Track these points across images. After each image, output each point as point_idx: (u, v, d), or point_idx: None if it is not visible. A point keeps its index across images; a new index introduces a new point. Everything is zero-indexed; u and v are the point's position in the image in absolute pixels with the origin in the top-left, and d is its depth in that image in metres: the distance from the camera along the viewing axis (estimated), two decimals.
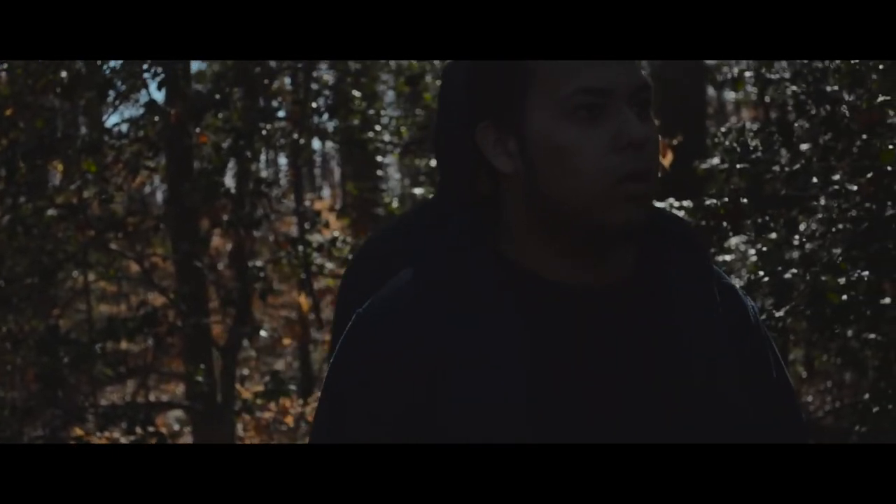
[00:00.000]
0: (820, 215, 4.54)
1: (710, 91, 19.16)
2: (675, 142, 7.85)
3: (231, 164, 6.77)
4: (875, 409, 4.50)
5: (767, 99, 7.50)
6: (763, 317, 3.56)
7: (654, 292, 1.77)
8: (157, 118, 6.30)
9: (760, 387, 1.81)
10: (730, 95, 17.71)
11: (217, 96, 5.86)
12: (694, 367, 1.73)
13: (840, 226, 4.28)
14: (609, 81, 1.67)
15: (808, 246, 4.21)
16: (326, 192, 28.42)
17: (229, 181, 7.25)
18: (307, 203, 12.93)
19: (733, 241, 7.50)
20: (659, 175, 1.73)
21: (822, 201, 4.37)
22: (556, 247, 1.74)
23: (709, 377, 1.73)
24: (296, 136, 7.11)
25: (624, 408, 1.70)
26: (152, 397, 15.10)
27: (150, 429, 6.55)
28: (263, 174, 9.10)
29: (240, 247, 7.08)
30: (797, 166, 4.00)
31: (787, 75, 5.23)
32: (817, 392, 12.32)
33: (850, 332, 7.04)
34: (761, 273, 3.60)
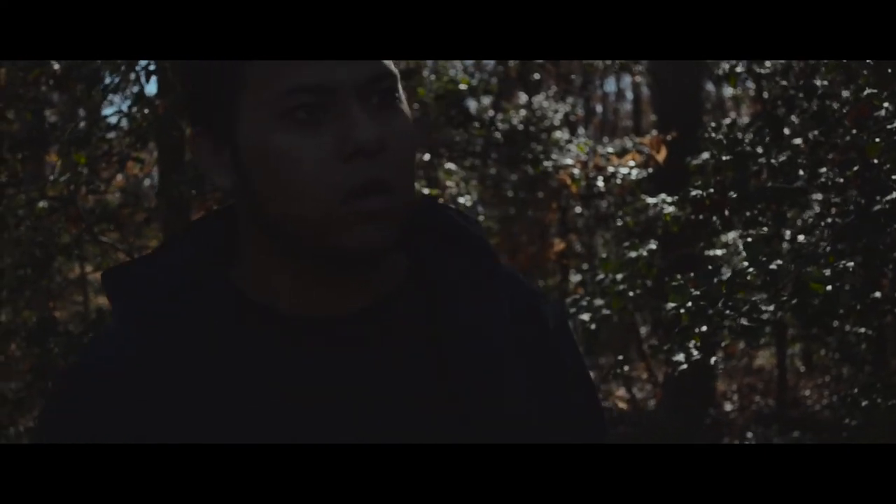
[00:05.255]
0: (817, 210, 4.53)
1: (710, 87, 19.16)
2: (668, 137, 7.85)
3: None
4: (864, 403, 4.49)
5: (766, 94, 7.50)
6: (745, 308, 3.54)
7: (427, 302, 1.50)
8: (146, 110, 6.26)
9: (556, 389, 1.54)
10: (728, 91, 17.69)
11: None
12: (476, 372, 1.46)
13: (829, 220, 4.27)
14: (327, 76, 1.36)
15: (799, 238, 4.19)
16: None
17: None
18: None
19: (730, 235, 7.50)
20: (411, 181, 1.43)
21: (815, 196, 4.37)
22: (293, 273, 1.45)
23: (491, 380, 1.47)
24: None
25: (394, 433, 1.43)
26: None
27: None
28: None
29: None
30: (783, 157, 3.99)
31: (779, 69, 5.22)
32: (815, 386, 12.34)
33: (847, 327, 7.05)
34: (745, 264, 3.58)
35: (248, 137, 1.39)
